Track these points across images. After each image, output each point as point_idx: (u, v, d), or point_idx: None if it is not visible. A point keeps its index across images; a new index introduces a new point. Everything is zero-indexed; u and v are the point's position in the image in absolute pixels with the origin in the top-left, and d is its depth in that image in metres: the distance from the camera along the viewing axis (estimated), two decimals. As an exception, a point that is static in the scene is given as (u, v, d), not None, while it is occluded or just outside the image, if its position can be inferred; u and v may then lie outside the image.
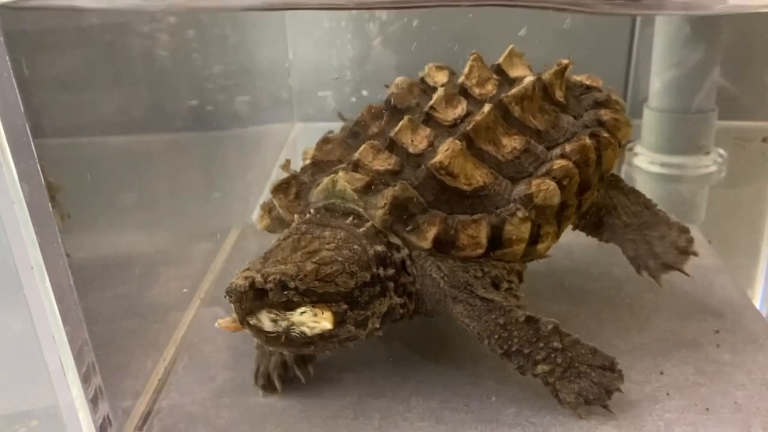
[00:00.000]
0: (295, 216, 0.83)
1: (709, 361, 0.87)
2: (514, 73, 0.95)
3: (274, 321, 0.72)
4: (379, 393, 0.83)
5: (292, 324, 0.72)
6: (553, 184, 0.81)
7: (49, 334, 0.69)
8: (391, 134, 0.84)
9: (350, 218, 0.79)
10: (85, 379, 0.70)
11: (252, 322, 0.72)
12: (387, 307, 0.78)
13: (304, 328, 0.73)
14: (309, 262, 0.73)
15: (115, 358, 0.84)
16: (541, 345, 0.77)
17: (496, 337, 0.77)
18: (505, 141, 0.84)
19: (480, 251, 0.78)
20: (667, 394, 0.82)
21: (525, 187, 0.81)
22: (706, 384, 0.84)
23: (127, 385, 0.82)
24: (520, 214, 0.79)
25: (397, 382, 0.85)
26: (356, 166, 0.82)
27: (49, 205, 0.64)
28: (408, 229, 0.78)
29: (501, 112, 0.86)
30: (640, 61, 1.72)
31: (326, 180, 0.82)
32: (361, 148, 0.83)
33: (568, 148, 0.85)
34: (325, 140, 0.91)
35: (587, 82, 0.98)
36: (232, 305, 0.71)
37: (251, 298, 0.71)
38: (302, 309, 0.72)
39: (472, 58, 0.93)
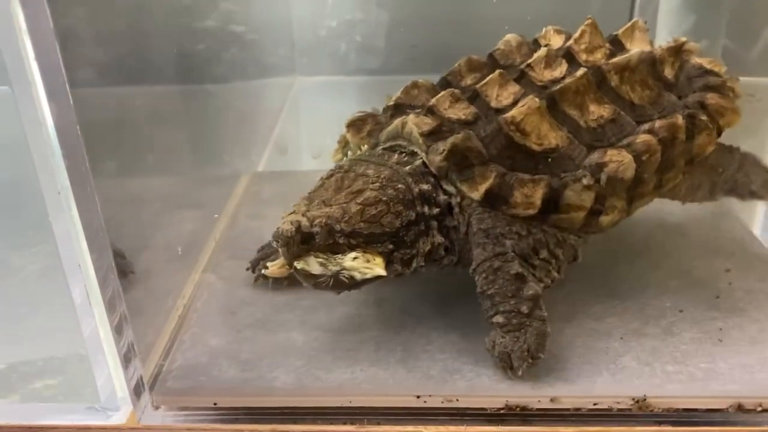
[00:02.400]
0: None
1: (722, 298, 0.89)
2: (632, 46, 0.93)
3: (323, 265, 0.72)
4: (399, 328, 0.84)
5: (343, 269, 0.73)
6: (629, 157, 0.79)
7: (74, 260, 0.68)
8: (477, 85, 0.83)
9: (396, 156, 0.79)
10: (110, 306, 0.70)
11: (300, 266, 0.72)
12: (431, 245, 0.78)
13: (355, 273, 0.73)
14: (354, 203, 0.73)
15: (135, 294, 0.84)
16: (513, 302, 0.76)
17: (484, 276, 0.77)
18: (593, 108, 0.83)
19: (532, 211, 0.77)
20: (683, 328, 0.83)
21: (599, 155, 0.80)
22: (720, 319, 0.85)
23: (149, 321, 0.82)
24: (584, 181, 0.78)
25: (417, 319, 0.86)
26: (429, 111, 0.82)
27: (78, 128, 0.63)
28: (462, 178, 0.78)
29: (597, 78, 0.84)
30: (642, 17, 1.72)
31: (397, 121, 0.82)
32: (440, 94, 0.83)
33: (657, 124, 0.83)
34: (413, 85, 0.89)
35: (707, 66, 0.94)
36: (280, 249, 0.71)
37: (298, 242, 0.71)
38: (354, 254, 0.73)
39: (586, 23, 0.91)
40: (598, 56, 0.90)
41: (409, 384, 0.76)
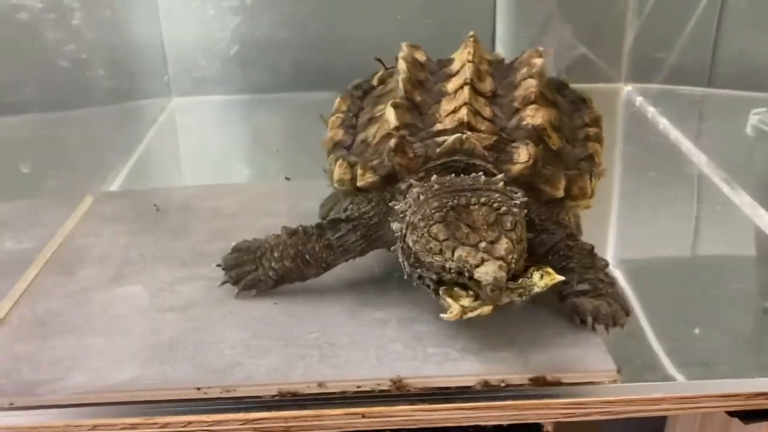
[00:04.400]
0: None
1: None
2: (486, 56, 1.08)
3: (522, 294, 0.81)
4: (197, 330, 0.91)
5: (541, 289, 0.81)
6: (599, 146, 0.97)
7: None
8: (465, 101, 0.93)
9: (481, 177, 0.85)
10: None
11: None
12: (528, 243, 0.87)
13: (547, 290, 0.82)
14: (506, 232, 0.80)
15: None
16: (592, 272, 0.88)
17: (561, 254, 0.89)
18: (548, 111, 0.97)
19: (587, 200, 0.92)
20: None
21: (582, 150, 0.96)
22: (489, 305, 0.94)
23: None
24: (595, 170, 0.95)
25: (215, 320, 0.93)
26: (470, 128, 0.91)
27: None
28: (542, 180, 0.89)
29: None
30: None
31: (452, 139, 0.89)
32: (465, 112, 0.91)
33: (587, 118, 1.01)
34: (395, 105, 0.95)
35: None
36: (490, 295, 0.77)
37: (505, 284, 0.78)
38: (537, 274, 0.82)
39: (471, 39, 1.05)
40: (486, 66, 1.03)
41: (192, 378, 0.83)
